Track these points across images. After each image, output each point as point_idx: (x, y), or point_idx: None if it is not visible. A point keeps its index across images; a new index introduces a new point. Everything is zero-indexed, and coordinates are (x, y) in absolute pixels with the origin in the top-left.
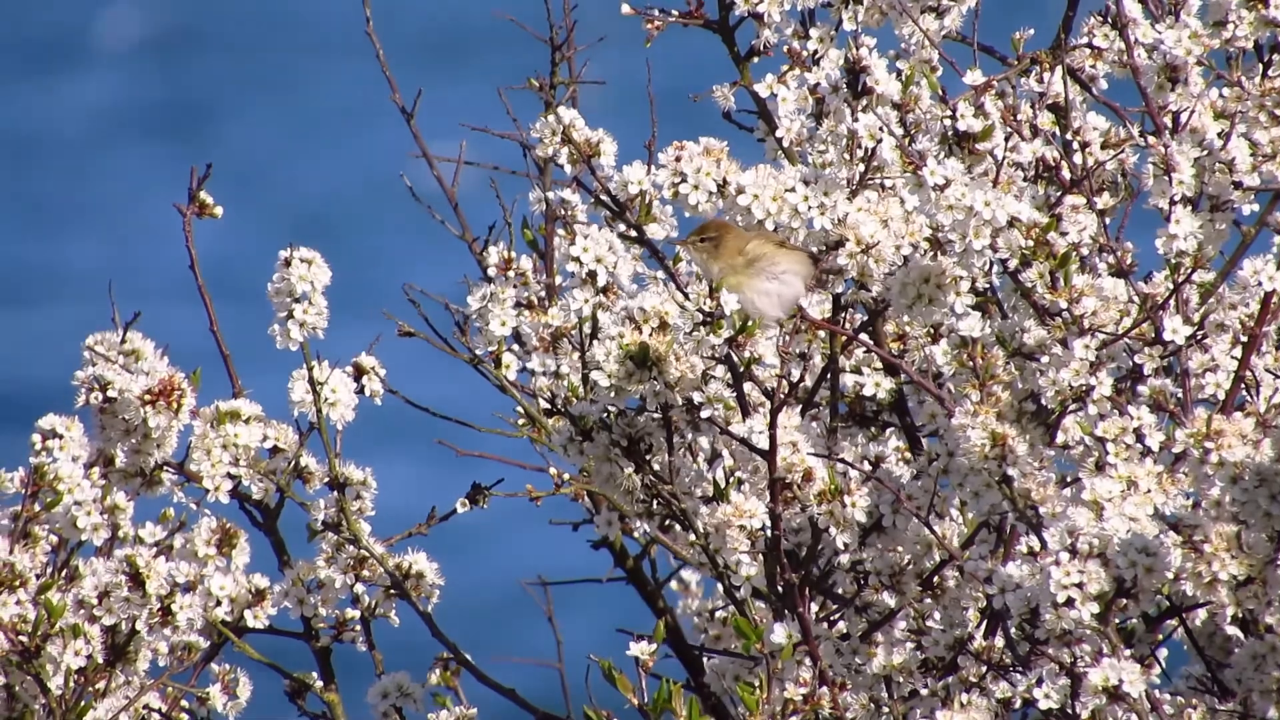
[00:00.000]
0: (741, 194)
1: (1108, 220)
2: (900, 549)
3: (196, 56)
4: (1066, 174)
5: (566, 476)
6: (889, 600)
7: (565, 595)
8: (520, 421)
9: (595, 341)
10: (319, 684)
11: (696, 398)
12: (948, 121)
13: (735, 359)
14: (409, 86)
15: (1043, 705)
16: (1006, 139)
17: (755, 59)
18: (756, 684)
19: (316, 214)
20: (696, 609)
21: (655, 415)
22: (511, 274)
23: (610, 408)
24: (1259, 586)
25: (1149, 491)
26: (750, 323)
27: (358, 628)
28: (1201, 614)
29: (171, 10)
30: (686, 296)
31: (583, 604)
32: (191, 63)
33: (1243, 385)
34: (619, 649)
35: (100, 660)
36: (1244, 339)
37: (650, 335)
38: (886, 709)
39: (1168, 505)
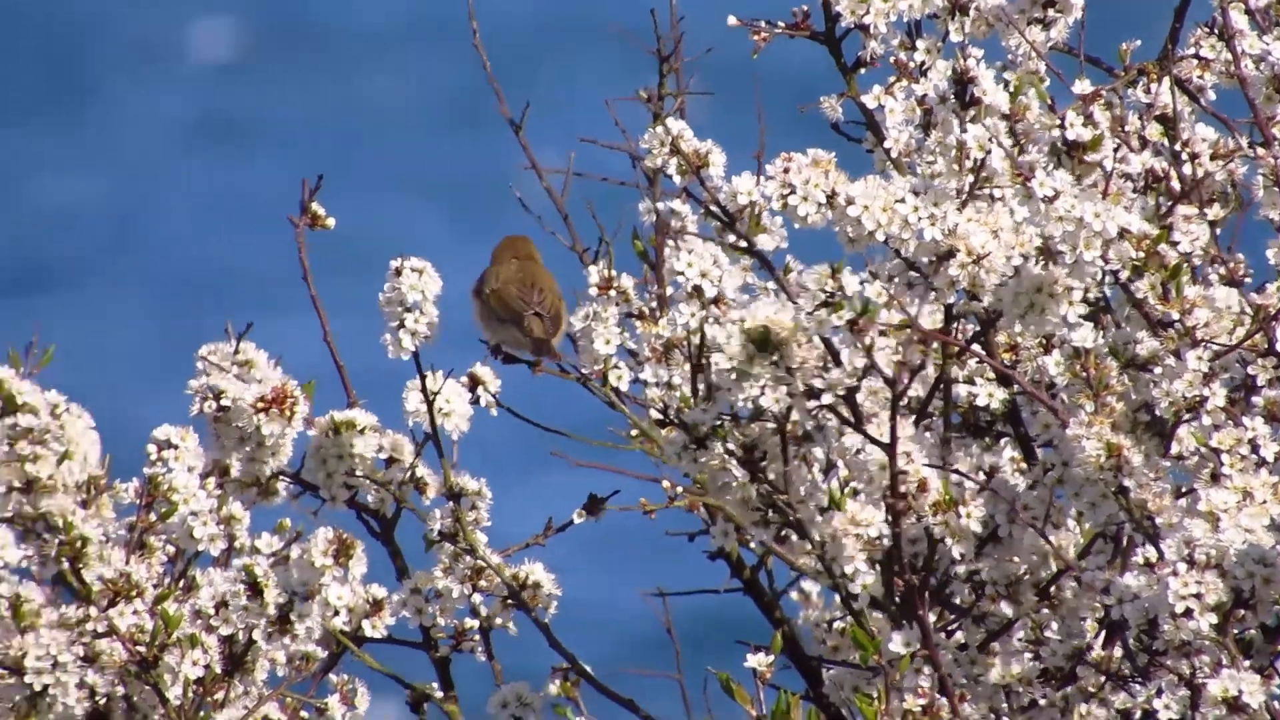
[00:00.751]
0: (851, 205)
1: (1218, 231)
2: (1016, 559)
3: (293, 68)
4: (1176, 185)
5: (680, 489)
6: (1006, 610)
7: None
8: (633, 433)
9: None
10: (439, 694)
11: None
12: (1056, 132)
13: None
14: (516, 100)
15: (1163, 716)
16: (1115, 150)
17: (862, 70)
18: (875, 694)
19: None
20: (815, 619)
21: (770, 424)
22: (613, 293)
23: (724, 415)
24: None
25: (1264, 502)
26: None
27: (476, 638)
28: None
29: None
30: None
31: (700, 615)
32: (287, 74)
33: None
34: (736, 660)
35: (218, 670)
36: None
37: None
38: (1005, 719)
39: None
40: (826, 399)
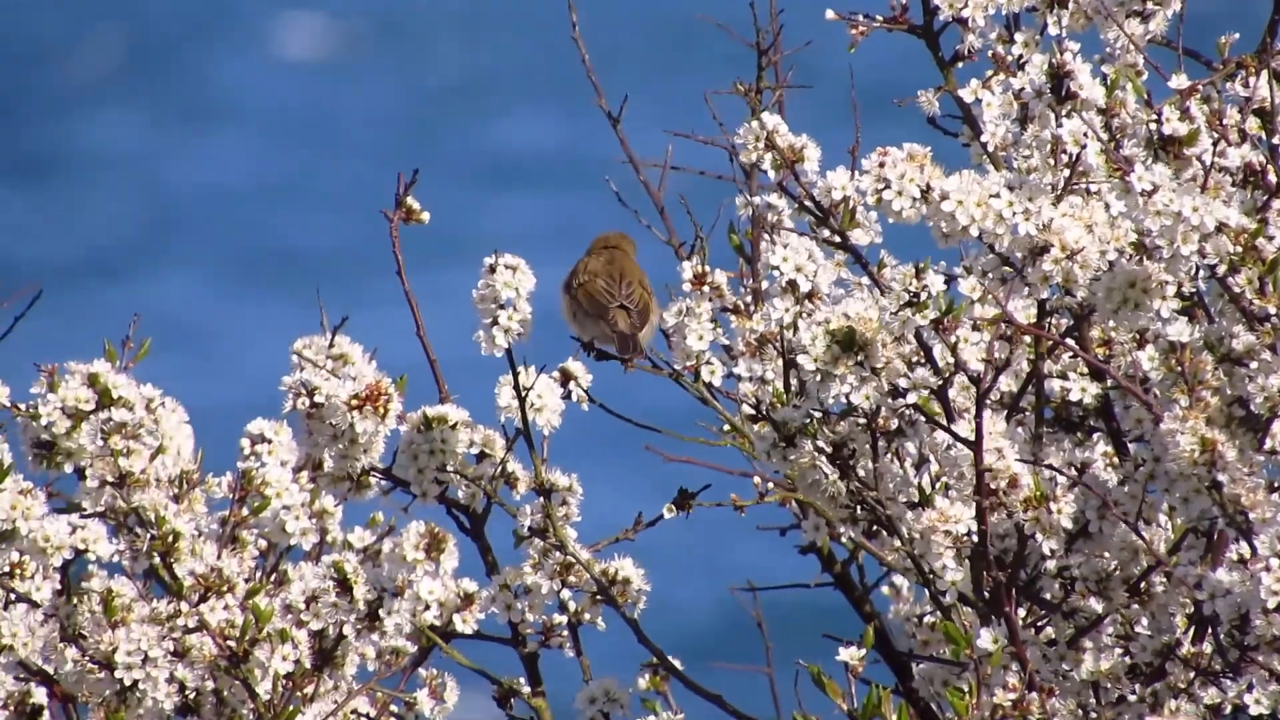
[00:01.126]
0: (945, 200)
1: None
2: (1107, 555)
3: (395, 63)
4: (1274, 178)
5: (771, 484)
6: (1096, 606)
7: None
8: (725, 428)
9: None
10: (526, 689)
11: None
12: (1153, 126)
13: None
14: (615, 92)
15: (1253, 711)
16: (1214, 144)
17: (960, 64)
18: (965, 689)
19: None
20: (905, 614)
21: (860, 421)
22: (706, 288)
23: (814, 412)
24: None
25: None
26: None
27: (565, 633)
28: None
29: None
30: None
31: (790, 609)
32: (386, 72)
33: None
34: (826, 654)
35: (308, 665)
36: None
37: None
38: (1095, 715)
39: None
40: (911, 398)
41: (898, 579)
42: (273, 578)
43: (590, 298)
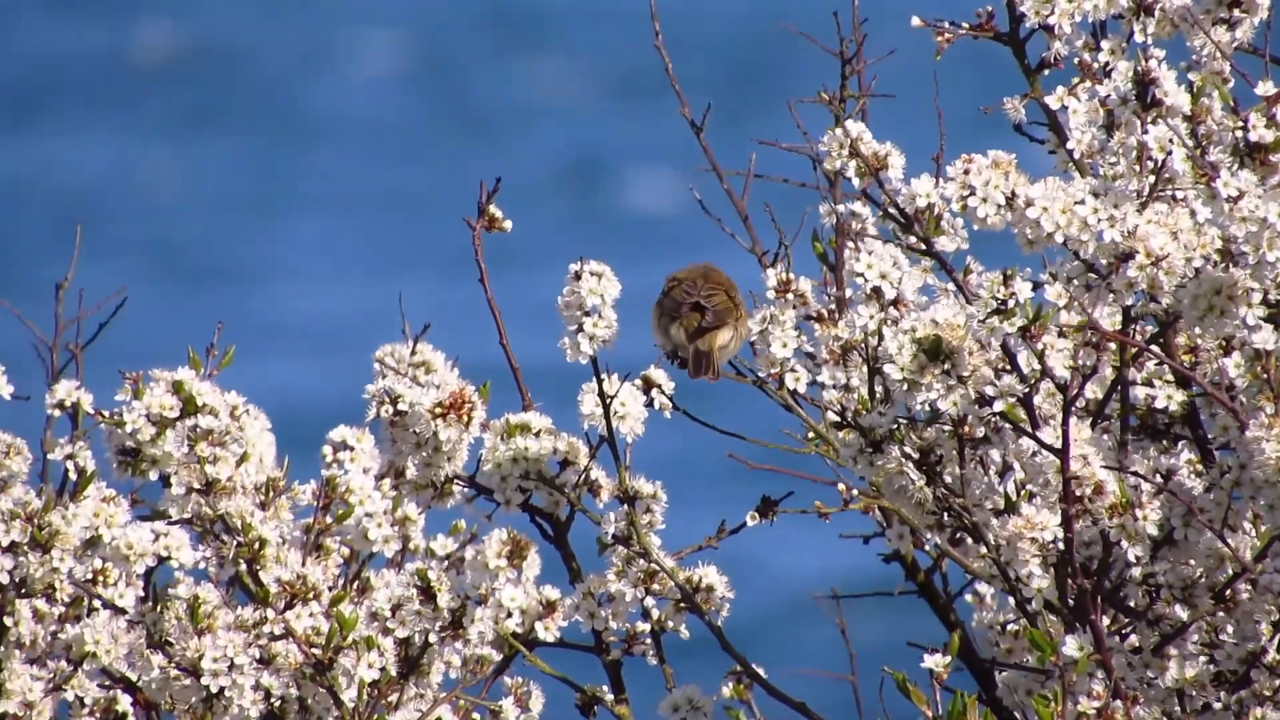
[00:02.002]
0: (1030, 206)
1: None
2: (1192, 562)
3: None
4: None
5: (856, 491)
6: (1181, 613)
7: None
8: (809, 436)
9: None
10: (610, 697)
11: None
12: (1239, 133)
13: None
14: (698, 101)
15: None
16: None
17: (1046, 71)
18: (1050, 697)
19: None
20: (989, 622)
21: (946, 427)
22: (790, 295)
23: (900, 418)
24: None
25: None
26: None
27: (648, 641)
28: None
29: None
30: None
31: (870, 617)
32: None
33: None
34: (908, 662)
35: (393, 673)
36: None
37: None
38: None
39: None
40: (998, 405)
41: (982, 587)
42: (356, 585)
43: (668, 296)
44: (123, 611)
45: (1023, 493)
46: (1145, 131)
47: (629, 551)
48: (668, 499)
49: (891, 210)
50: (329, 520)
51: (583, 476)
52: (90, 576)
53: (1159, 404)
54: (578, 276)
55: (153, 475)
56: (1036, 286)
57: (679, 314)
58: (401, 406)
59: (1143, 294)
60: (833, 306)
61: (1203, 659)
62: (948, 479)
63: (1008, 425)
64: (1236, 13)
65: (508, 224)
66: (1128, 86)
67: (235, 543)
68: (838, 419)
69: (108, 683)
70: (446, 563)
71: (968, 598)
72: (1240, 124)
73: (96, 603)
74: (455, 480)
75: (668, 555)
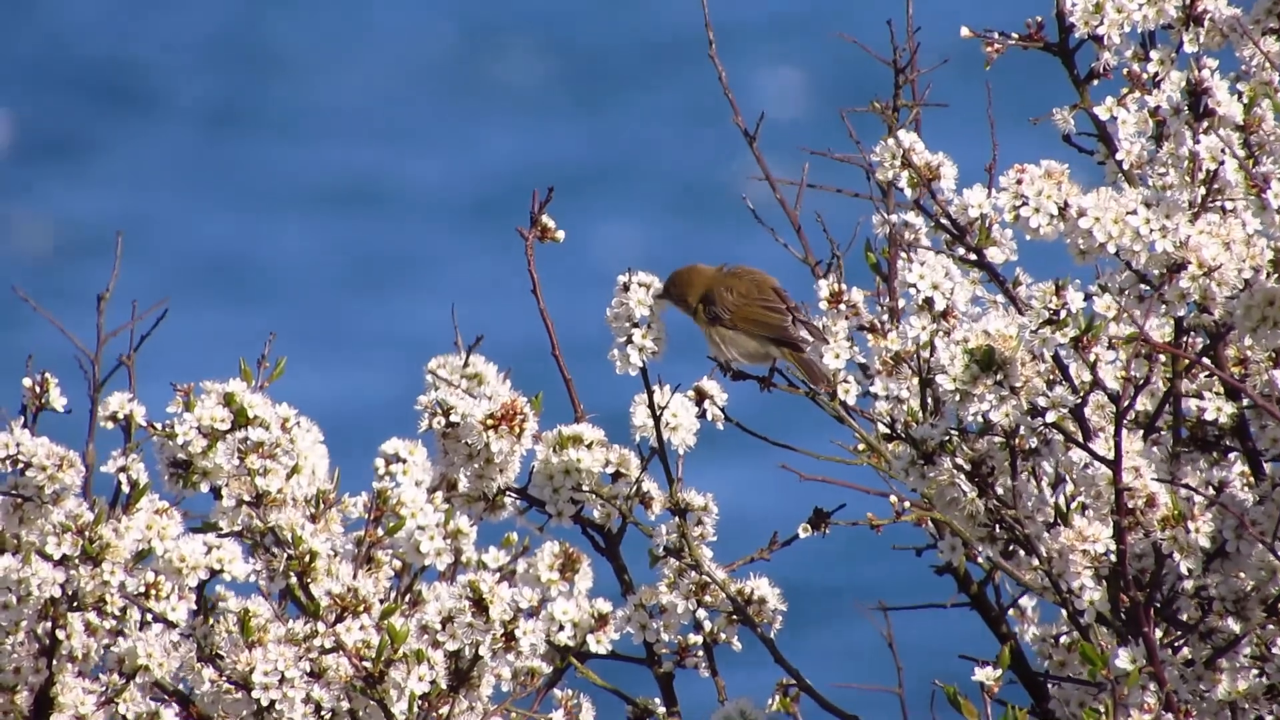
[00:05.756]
0: (1082, 217)
1: None
2: (1244, 575)
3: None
4: None
5: (908, 504)
6: (1233, 626)
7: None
8: (860, 447)
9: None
10: (661, 709)
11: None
12: None
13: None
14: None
15: None
16: None
17: (1095, 81)
18: (1102, 710)
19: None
20: (1036, 635)
21: (998, 439)
22: (843, 306)
23: (952, 429)
24: None
25: None
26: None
27: (700, 653)
28: None
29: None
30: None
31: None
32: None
33: None
34: (959, 675)
35: (444, 685)
36: None
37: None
38: None
39: None
40: (1051, 417)
41: (1024, 600)
42: (408, 598)
43: (756, 323)
44: (174, 625)
45: (1074, 505)
46: (1197, 142)
47: (681, 563)
48: (718, 511)
49: (944, 220)
50: (380, 533)
51: (634, 488)
52: (142, 589)
53: (1209, 416)
54: (626, 288)
55: (204, 487)
56: (1087, 298)
57: (785, 335)
58: (454, 418)
59: (1194, 305)
60: (884, 317)
61: (1255, 672)
62: (999, 491)
63: (1059, 437)
64: None
65: (560, 234)
66: (1180, 97)
67: (286, 555)
68: (889, 430)
69: (158, 696)
70: (498, 575)
71: (1011, 611)
72: None
73: (148, 616)
74: (507, 492)
75: (719, 567)
